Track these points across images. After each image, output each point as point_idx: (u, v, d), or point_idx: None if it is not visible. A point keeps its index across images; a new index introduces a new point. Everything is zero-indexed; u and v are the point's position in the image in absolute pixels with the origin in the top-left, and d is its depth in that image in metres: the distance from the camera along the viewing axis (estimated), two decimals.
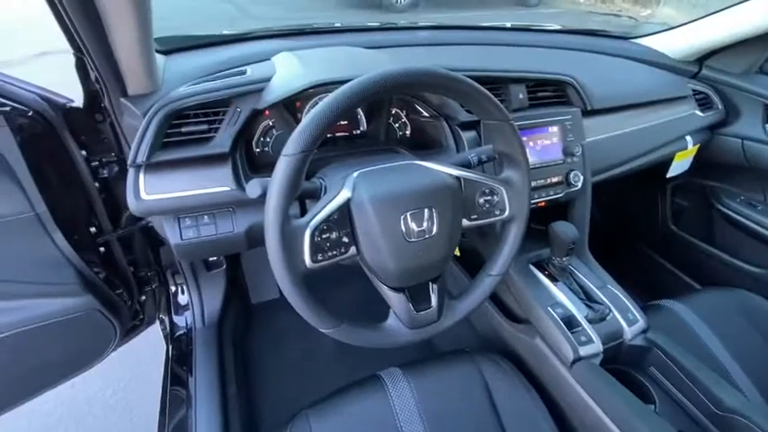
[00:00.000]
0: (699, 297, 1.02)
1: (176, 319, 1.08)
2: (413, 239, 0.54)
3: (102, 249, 0.88)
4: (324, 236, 0.51)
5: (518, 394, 0.76)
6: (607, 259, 0.95)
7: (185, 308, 1.08)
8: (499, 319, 0.93)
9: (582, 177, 0.89)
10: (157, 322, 1.13)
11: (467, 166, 0.62)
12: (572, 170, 0.88)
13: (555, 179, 0.88)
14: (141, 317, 1.07)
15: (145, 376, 1.41)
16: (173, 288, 1.09)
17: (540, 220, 0.92)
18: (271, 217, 0.47)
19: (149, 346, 1.19)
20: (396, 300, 0.58)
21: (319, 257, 0.51)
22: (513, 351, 0.90)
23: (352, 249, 0.55)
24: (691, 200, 1.38)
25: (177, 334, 1.06)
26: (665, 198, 1.42)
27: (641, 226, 1.52)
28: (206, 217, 0.67)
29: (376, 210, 0.52)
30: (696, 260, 1.34)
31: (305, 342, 1.21)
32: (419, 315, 0.59)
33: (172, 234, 0.66)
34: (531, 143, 0.85)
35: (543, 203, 0.89)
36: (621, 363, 0.80)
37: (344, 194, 0.53)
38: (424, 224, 0.54)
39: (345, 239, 0.54)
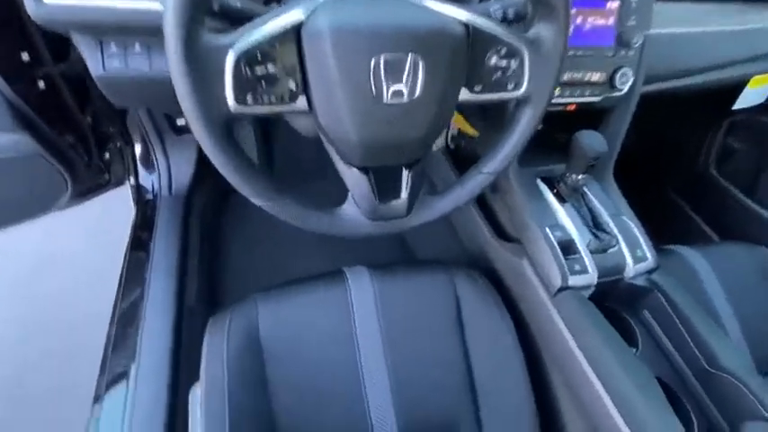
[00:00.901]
0: (716, 248, 0.92)
1: (143, 181, 1.00)
2: (386, 100, 0.39)
3: (41, 85, 0.75)
4: (258, 70, 0.37)
5: (489, 313, 0.69)
6: (628, 193, 0.80)
7: (152, 172, 1.00)
8: (486, 233, 0.82)
9: (632, 80, 0.70)
10: (127, 185, 1.07)
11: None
12: (622, 67, 0.68)
13: (596, 76, 0.69)
14: (107, 177, 1.00)
15: (118, 237, 1.41)
16: (138, 148, 0.99)
17: (563, 129, 0.76)
18: (170, 22, 0.32)
19: (126, 208, 1.15)
20: (355, 181, 0.46)
21: (249, 99, 0.37)
22: (495, 270, 0.81)
23: (302, 101, 0.41)
24: (745, 141, 1.17)
25: (143, 199, 1.00)
26: (716, 136, 1.20)
27: (677, 164, 1.33)
28: (137, 45, 0.52)
29: (336, 45, 0.36)
30: (730, 211, 1.18)
31: (280, 231, 1.14)
32: (383, 206, 0.47)
33: (92, 62, 0.51)
34: (578, 18, 0.64)
35: (574, 106, 0.72)
36: (614, 300, 0.71)
37: (295, 15, 0.37)
38: (404, 79, 0.39)
39: (292, 86, 0.39)
